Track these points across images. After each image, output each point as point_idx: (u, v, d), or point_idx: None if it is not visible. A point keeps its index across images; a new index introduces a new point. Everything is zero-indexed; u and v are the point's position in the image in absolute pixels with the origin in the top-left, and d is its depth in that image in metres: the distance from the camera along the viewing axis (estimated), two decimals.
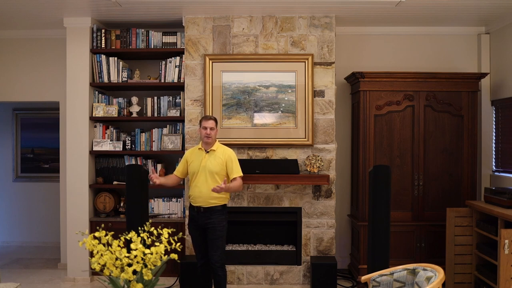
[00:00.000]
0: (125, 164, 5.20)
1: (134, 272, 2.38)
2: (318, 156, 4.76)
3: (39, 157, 6.82)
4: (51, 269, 5.51)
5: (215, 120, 3.98)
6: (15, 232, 6.74)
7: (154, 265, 2.40)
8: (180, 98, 5.17)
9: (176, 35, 5.10)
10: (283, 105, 4.88)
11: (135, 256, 2.37)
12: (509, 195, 4.08)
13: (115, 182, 5.22)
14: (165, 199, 5.19)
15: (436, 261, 4.24)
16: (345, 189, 5.52)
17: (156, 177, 3.90)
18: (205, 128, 3.91)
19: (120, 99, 5.23)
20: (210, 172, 3.89)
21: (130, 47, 5.11)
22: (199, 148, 4.01)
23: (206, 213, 3.91)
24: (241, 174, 3.98)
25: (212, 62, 4.89)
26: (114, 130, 5.25)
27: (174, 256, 2.41)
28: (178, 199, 5.17)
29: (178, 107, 5.15)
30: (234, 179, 3.94)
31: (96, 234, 2.45)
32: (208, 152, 3.94)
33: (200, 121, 4.00)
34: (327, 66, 4.89)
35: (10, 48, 5.62)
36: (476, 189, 4.99)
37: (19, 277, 5.16)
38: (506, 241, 3.69)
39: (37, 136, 6.81)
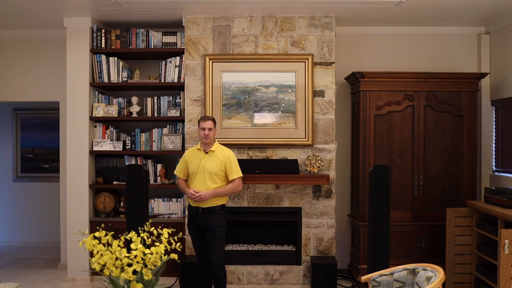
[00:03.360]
0: (125, 164, 5.19)
1: (134, 272, 2.38)
2: (318, 156, 4.76)
3: (39, 157, 6.82)
4: (51, 269, 5.51)
5: (214, 120, 3.97)
6: (15, 232, 6.74)
7: (154, 265, 2.40)
8: (180, 98, 5.16)
9: (176, 35, 5.09)
10: (283, 105, 4.88)
11: (135, 256, 2.36)
12: (509, 195, 4.08)
13: (115, 182, 5.22)
14: (165, 199, 5.19)
15: (436, 261, 4.24)
16: (345, 189, 5.52)
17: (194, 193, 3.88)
18: (203, 129, 3.90)
19: (120, 99, 5.23)
20: (209, 173, 3.88)
21: (130, 47, 5.11)
22: (198, 149, 4.00)
23: (204, 213, 3.92)
24: (241, 175, 3.98)
25: (212, 62, 4.89)
26: (114, 130, 5.25)
27: (174, 256, 2.41)
28: (178, 199, 5.17)
29: (178, 107, 5.15)
30: (233, 180, 3.94)
31: (96, 234, 2.45)
32: (207, 152, 3.94)
33: (199, 122, 3.98)
34: (327, 66, 4.89)
35: (10, 48, 5.62)
36: (476, 189, 4.99)
37: (19, 277, 5.16)
38: (506, 241, 3.68)
39: (37, 136, 6.80)
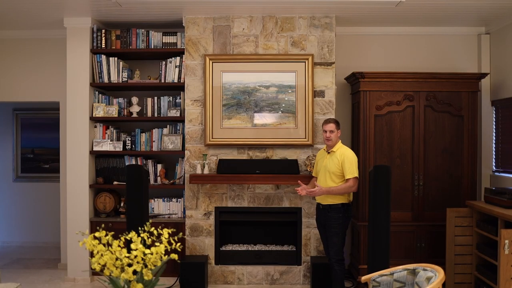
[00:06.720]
0: (125, 164, 5.20)
1: (134, 272, 2.38)
2: None
3: (39, 157, 6.82)
4: (51, 269, 5.52)
5: (336, 122, 4.19)
6: (15, 232, 6.74)
7: (154, 265, 2.40)
8: (180, 98, 5.17)
9: (176, 35, 5.09)
10: (283, 105, 4.88)
11: (135, 256, 2.36)
12: (509, 195, 4.08)
13: (115, 182, 5.22)
14: (165, 199, 5.19)
15: (436, 261, 4.23)
16: None
17: (303, 189, 4.14)
18: (325, 131, 4.17)
19: (120, 99, 5.23)
20: (329, 172, 4.14)
21: (130, 47, 5.11)
22: (323, 149, 4.32)
23: (324, 210, 4.18)
24: (355, 175, 4.09)
25: (212, 62, 4.89)
26: (114, 130, 5.25)
27: (174, 256, 2.41)
28: (178, 199, 5.17)
29: (178, 107, 5.15)
30: (347, 180, 4.08)
31: (96, 234, 2.45)
32: (329, 153, 4.19)
33: (322, 124, 4.24)
34: (327, 66, 4.89)
35: (11, 48, 5.62)
36: (476, 189, 4.99)
37: (19, 277, 5.16)
38: (506, 241, 3.69)
39: (37, 136, 6.81)
